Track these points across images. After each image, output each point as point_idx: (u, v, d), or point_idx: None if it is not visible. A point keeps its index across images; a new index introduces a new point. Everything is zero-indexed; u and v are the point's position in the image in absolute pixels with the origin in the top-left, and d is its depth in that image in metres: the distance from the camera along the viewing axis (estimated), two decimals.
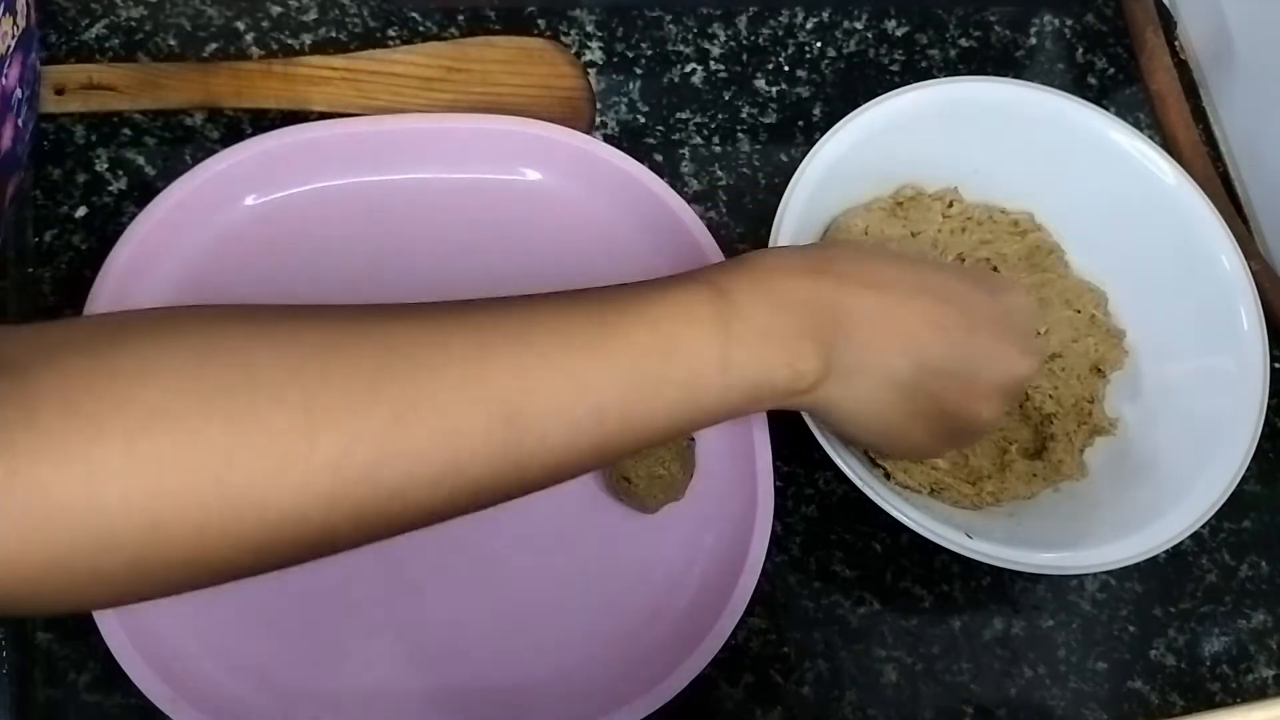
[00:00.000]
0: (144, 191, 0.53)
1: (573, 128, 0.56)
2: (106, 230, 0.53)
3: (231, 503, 0.30)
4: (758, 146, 0.60)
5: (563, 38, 0.61)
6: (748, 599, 0.48)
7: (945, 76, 0.60)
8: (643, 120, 0.60)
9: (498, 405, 0.34)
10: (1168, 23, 0.66)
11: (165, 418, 0.30)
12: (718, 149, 0.60)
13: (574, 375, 0.36)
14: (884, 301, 0.42)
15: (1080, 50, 0.66)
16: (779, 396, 0.41)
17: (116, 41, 0.57)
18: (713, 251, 0.53)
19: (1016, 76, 0.63)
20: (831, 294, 0.41)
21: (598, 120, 0.59)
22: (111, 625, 0.44)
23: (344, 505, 0.32)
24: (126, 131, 0.55)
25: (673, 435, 0.40)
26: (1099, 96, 0.64)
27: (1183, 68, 0.66)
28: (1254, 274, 0.53)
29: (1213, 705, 0.53)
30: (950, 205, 0.57)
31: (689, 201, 0.56)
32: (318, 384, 0.32)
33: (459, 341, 0.35)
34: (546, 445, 0.35)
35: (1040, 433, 0.54)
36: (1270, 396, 0.51)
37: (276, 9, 0.59)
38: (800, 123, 0.61)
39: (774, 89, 0.62)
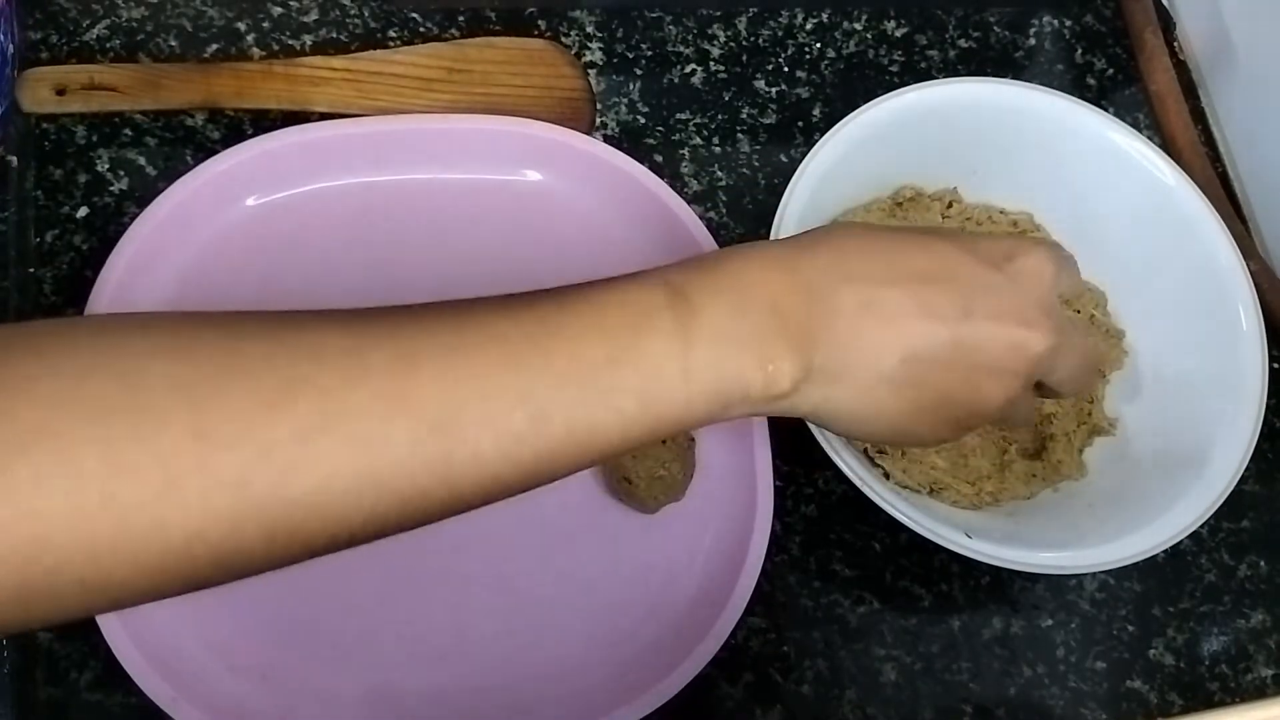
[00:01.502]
0: (145, 192, 0.53)
1: (573, 128, 0.56)
2: (108, 230, 0.53)
3: (122, 523, 0.29)
4: (758, 147, 0.60)
5: (563, 38, 0.61)
6: (747, 598, 0.48)
7: (945, 77, 0.60)
8: (643, 121, 0.60)
9: (421, 417, 0.32)
10: (1167, 23, 0.66)
11: (45, 436, 0.29)
12: (718, 149, 0.60)
13: (510, 383, 0.34)
14: (865, 294, 0.38)
15: (1079, 51, 0.66)
16: (755, 403, 0.38)
17: (118, 42, 0.57)
18: None
19: (1016, 77, 0.63)
20: (804, 291, 0.38)
21: (598, 121, 0.59)
22: (112, 624, 0.44)
23: (251, 525, 0.31)
24: (128, 132, 0.56)
25: (633, 446, 0.37)
26: (1098, 97, 0.64)
27: (1182, 68, 0.66)
28: (1253, 274, 0.53)
29: (1211, 705, 0.53)
30: (950, 206, 0.57)
31: (689, 202, 0.56)
32: (210, 402, 0.30)
33: (379, 350, 0.33)
34: (481, 459, 0.33)
35: (1039, 433, 0.54)
36: (1270, 396, 0.51)
37: (277, 10, 0.59)
38: (800, 123, 0.61)
39: (774, 89, 0.62)
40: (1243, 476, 0.50)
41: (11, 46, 0.53)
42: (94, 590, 0.30)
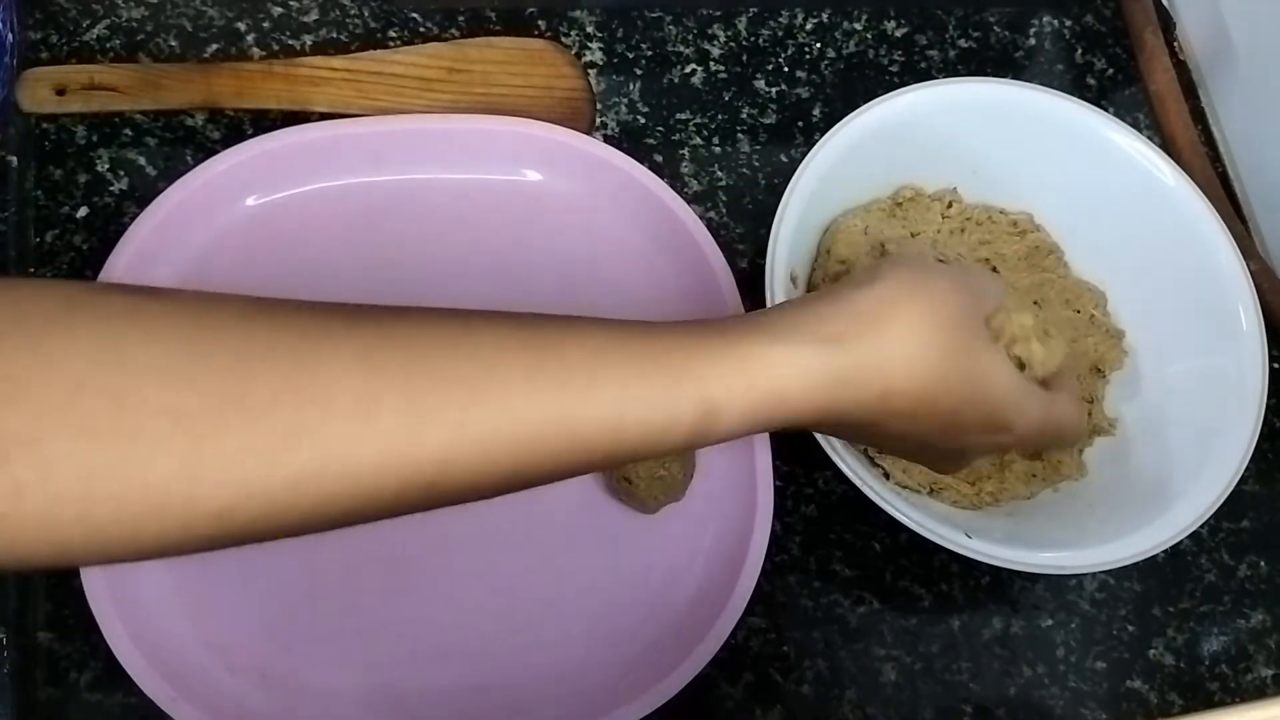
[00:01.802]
0: (145, 192, 0.53)
1: (573, 128, 0.56)
2: (108, 231, 0.53)
3: (95, 535, 0.29)
4: (758, 147, 0.60)
5: (563, 38, 0.61)
6: (747, 598, 0.48)
7: (944, 77, 0.60)
8: (643, 121, 0.60)
9: (419, 473, 0.32)
10: (1167, 23, 0.66)
11: (27, 447, 0.28)
12: (718, 149, 0.60)
13: (515, 444, 0.34)
14: (887, 429, 0.40)
15: (1079, 51, 0.66)
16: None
17: (118, 42, 0.57)
18: (713, 252, 0.54)
19: (1016, 77, 0.63)
20: (833, 425, 0.40)
21: (598, 121, 0.59)
22: (112, 624, 0.44)
23: (224, 544, 0.31)
24: (128, 132, 0.56)
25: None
26: (1098, 97, 0.64)
27: (1182, 68, 0.66)
28: (1253, 274, 0.54)
29: (1211, 705, 0.53)
30: (949, 206, 0.57)
31: (689, 202, 0.56)
32: (207, 439, 0.30)
33: (390, 399, 0.32)
34: (469, 493, 0.34)
35: None
36: (1269, 396, 0.51)
37: (277, 10, 0.59)
38: (800, 123, 0.61)
39: (774, 89, 0.62)
40: (1243, 476, 0.50)
41: (11, 36, 0.53)
42: (63, 564, 0.31)
